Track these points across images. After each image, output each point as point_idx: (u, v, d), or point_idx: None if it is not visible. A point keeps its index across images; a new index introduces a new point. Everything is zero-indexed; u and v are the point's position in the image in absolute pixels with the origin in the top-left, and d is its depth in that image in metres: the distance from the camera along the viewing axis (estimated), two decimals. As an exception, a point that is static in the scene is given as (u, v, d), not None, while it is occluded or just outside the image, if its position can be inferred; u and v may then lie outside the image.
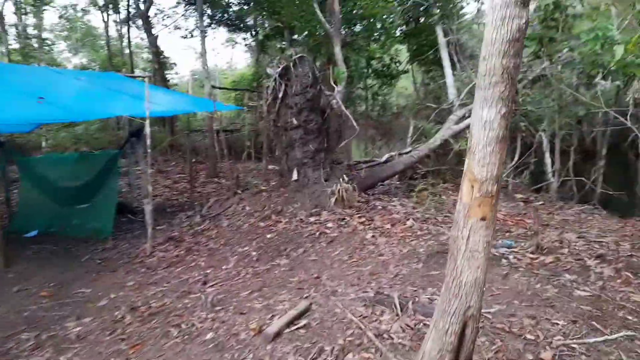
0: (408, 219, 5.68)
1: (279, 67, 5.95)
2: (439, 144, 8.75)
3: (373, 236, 5.24)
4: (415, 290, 3.82)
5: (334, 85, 6.36)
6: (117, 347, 3.36)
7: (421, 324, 3.18)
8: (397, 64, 16.24)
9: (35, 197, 7.45)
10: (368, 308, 3.48)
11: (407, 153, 9.10)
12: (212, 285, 4.53)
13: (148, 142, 5.44)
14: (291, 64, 5.92)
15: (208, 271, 4.95)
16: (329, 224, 5.54)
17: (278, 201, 6.16)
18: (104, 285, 4.73)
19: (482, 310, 3.33)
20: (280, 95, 6.00)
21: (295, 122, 6.04)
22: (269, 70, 6.11)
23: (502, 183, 6.85)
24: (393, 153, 9.10)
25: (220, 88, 17.59)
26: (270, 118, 6.18)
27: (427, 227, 5.47)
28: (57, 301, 4.30)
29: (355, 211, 5.90)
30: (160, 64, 17.57)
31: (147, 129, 5.43)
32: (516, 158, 9.38)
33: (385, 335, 3.06)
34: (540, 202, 7.81)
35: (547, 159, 9.11)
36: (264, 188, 6.58)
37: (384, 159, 8.83)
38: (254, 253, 5.19)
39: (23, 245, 6.22)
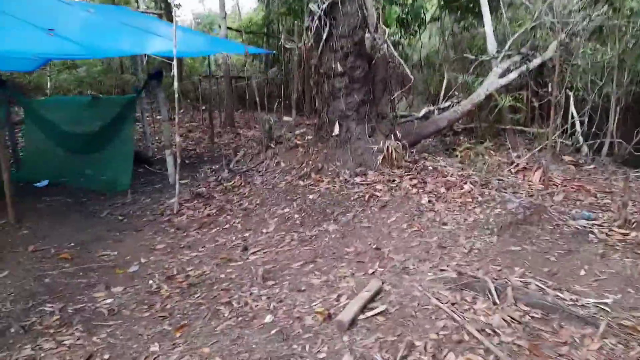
0: (465, 183, 5.07)
1: (324, 3, 5.11)
2: (483, 98, 8.00)
3: (429, 201, 4.65)
4: (500, 270, 3.28)
5: (384, 27, 5.53)
6: (160, 328, 2.86)
7: (527, 316, 2.65)
8: (424, 11, 15.01)
9: (43, 143, 6.81)
10: (454, 292, 2.95)
11: (446, 108, 8.38)
12: (254, 252, 4.00)
13: (176, 85, 4.72)
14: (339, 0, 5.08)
15: (246, 235, 4.41)
16: (378, 186, 4.93)
17: (317, 158, 5.53)
18: (130, 247, 4.20)
19: (595, 301, 2.81)
20: (324, 36, 5.20)
21: (340, 68, 5.28)
22: (311, 7, 5.27)
23: (550, 144, 6.10)
24: (431, 107, 8.36)
25: (239, 31, 16.34)
26: (311, 63, 5.41)
27: (487, 192, 4.87)
28: (80, 266, 3.78)
29: (404, 172, 5.28)
30: (167, 3, 16.31)
31: (175, 70, 4.69)
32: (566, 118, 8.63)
33: (488, 331, 2.53)
34: (592, 166, 7.20)
35: (575, 117, 8.30)
36: (299, 142, 5.92)
37: (421, 113, 8.11)
38: (296, 216, 4.62)
39: (34, 196, 5.66)
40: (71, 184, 6.19)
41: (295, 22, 15.22)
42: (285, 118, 14.03)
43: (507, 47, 9.29)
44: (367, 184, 5.01)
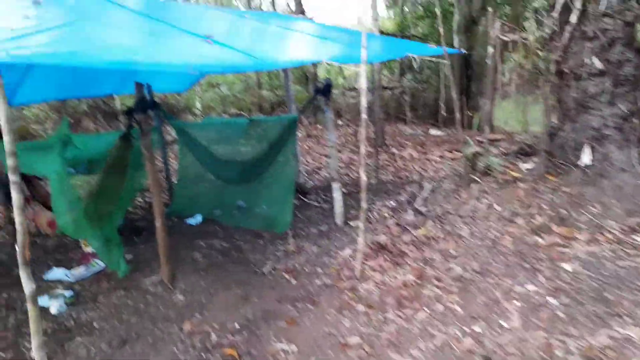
0: None
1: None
2: None
3: None
4: None
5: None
6: None
7: None
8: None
9: (196, 171, 6.20)
10: None
11: None
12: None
13: (364, 101, 3.46)
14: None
15: (475, 327, 2.91)
16: (687, 255, 3.06)
17: (553, 200, 3.83)
18: (312, 336, 3.02)
19: None
20: (575, 17, 3.52)
21: (597, 63, 3.55)
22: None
23: None
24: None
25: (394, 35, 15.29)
26: (550, 57, 3.77)
27: None
28: (251, 372, 2.66)
29: None
30: (302, 14, 15.93)
31: (363, 83, 3.45)
32: None
33: None
34: None
35: None
36: (516, 174, 4.28)
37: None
38: (551, 301, 2.99)
39: (187, 238, 4.91)
40: (225, 221, 5.40)
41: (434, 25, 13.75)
42: (433, 132, 12.38)
43: None
44: (665, 250, 3.17)
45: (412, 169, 7.91)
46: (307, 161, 8.94)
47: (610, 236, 3.40)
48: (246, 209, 5.64)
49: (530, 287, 3.15)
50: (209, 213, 5.64)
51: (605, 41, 3.52)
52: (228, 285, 3.76)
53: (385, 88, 14.63)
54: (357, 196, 6.14)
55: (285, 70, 7.48)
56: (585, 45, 3.57)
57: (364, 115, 3.51)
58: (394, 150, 9.62)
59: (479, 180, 4.38)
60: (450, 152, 8.86)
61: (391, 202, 5.18)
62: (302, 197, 6.31)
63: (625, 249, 3.25)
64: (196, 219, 5.48)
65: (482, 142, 9.27)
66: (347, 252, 4.26)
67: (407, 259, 3.87)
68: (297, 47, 4.04)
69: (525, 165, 4.43)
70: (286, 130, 5.12)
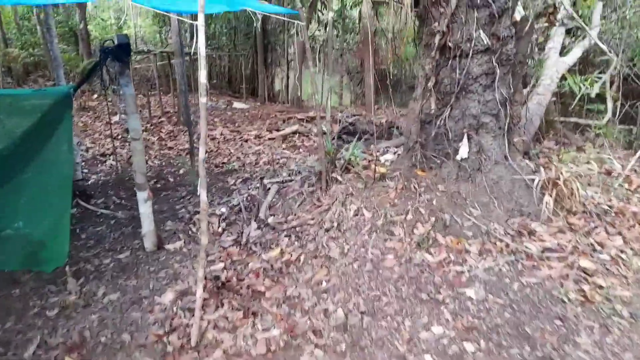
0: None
1: None
2: (556, 84, 6.36)
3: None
4: None
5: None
6: None
7: None
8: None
9: None
10: None
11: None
12: None
13: (203, 75, 2.16)
14: None
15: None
16: (583, 261, 2.82)
17: (431, 201, 3.27)
18: None
19: None
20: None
21: (485, 39, 3.04)
22: None
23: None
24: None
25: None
26: (431, 30, 3.09)
27: None
28: None
29: (585, 221, 3.22)
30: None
31: (202, 38, 2.13)
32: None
33: None
34: None
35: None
36: (382, 170, 3.58)
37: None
38: (469, 348, 2.36)
39: None
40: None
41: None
42: (236, 104, 11.41)
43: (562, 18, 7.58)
44: (560, 256, 2.87)
45: (228, 153, 6.76)
46: (85, 146, 6.87)
47: (500, 244, 3.01)
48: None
49: (438, 330, 2.47)
50: None
51: (496, 11, 3.02)
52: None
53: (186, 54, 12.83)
54: (165, 196, 4.75)
55: (46, 21, 5.25)
56: (473, 16, 3.01)
57: (203, 100, 2.22)
58: (218, 128, 8.25)
59: (339, 178, 3.55)
60: (270, 131, 7.99)
61: (222, 208, 3.97)
62: (82, 203, 4.55)
63: (520, 261, 2.88)
64: None
65: (302, 120, 8.71)
66: (170, 297, 2.95)
67: (264, 301, 2.79)
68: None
69: (386, 157, 3.81)
70: (54, 110, 3.32)
